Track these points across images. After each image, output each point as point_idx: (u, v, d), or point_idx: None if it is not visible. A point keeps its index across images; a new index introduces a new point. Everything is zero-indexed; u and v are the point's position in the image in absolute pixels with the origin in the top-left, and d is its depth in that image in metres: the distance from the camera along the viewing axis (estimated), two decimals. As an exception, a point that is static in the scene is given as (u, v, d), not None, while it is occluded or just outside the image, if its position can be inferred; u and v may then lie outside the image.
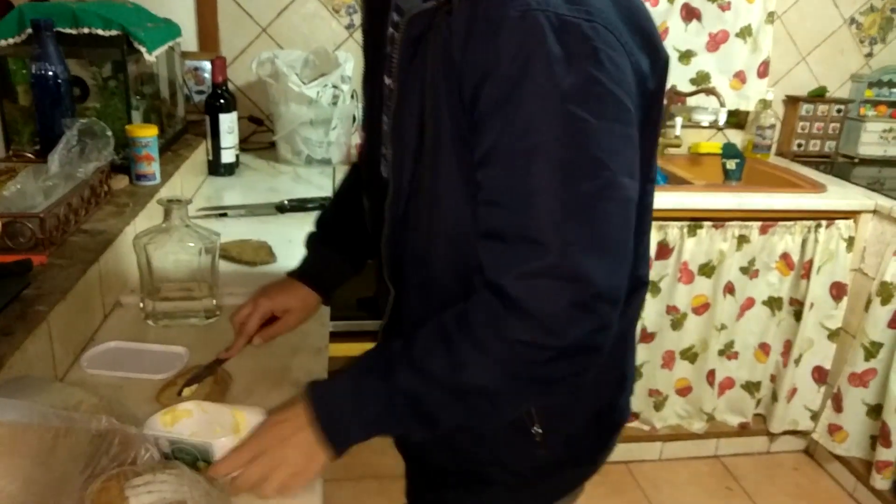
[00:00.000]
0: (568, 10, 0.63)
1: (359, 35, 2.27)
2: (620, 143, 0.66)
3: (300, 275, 1.02)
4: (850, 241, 2.09)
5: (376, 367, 0.73)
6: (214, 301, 1.08)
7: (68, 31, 1.35)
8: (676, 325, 2.13)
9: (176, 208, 1.01)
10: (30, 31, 1.30)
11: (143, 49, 1.41)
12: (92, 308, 1.03)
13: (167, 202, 1.02)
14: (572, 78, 0.62)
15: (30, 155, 1.29)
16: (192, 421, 0.76)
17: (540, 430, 0.84)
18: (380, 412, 0.71)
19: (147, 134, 1.38)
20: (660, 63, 0.74)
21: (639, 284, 0.87)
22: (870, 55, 2.61)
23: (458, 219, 0.73)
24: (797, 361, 2.21)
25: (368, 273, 1.01)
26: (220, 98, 1.86)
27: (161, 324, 1.06)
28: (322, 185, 1.90)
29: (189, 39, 2.13)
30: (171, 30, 1.72)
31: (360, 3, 0.95)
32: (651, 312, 2.09)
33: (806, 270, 2.11)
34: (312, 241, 1.06)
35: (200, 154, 1.85)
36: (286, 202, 1.66)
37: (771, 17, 2.36)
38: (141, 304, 1.07)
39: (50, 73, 1.25)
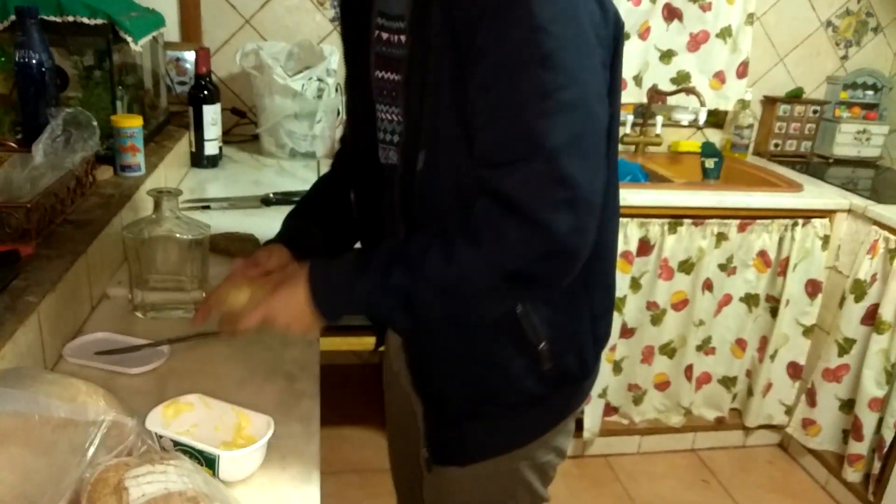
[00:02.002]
0: None
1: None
2: (591, 69, 0.76)
3: (277, 240, 1.03)
4: (826, 240, 2.14)
5: (375, 263, 0.80)
6: (203, 293, 1.08)
7: (53, 19, 1.33)
8: (656, 320, 2.16)
9: (166, 199, 1.01)
10: (13, 18, 1.28)
11: (129, 38, 1.39)
12: (80, 299, 1.02)
13: (157, 193, 1.01)
14: (549, 11, 0.71)
15: (13, 144, 1.27)
16: (194, 415, 0.76)
17: (547, 346, 0.89)
18: (369, 300, 0.80)
19: (132, 124, 1.37)
20: (609, 15, 0.81)
21: (614, 208, 0.95)
22: (845, 57, 2.67)
23: (462, 167, 0.79)
24: (773, 357, 2.26)
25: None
26: (203, 89, 1.84)
27: (149, 315, 1.05)
28: (306, 178, 1.89)
29: (171, 29, 2.10)
30: (155, 19, 1.70)
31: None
32: (631, 308, 2.12)
33: (782, 268, 2.16)
34: (288, 216, 1.09)
35: (183, 146, 1.83)
36: (272, 195, 1.65)
37: (751, 19, 2.40)
38: (129, 296, 1.07)
39: (34, 61, 1.23)
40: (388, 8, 0.87)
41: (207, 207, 1.58)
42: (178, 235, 1.02)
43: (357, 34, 0.94)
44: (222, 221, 1.47)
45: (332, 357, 1.73)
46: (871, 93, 2.67)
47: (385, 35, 0.87)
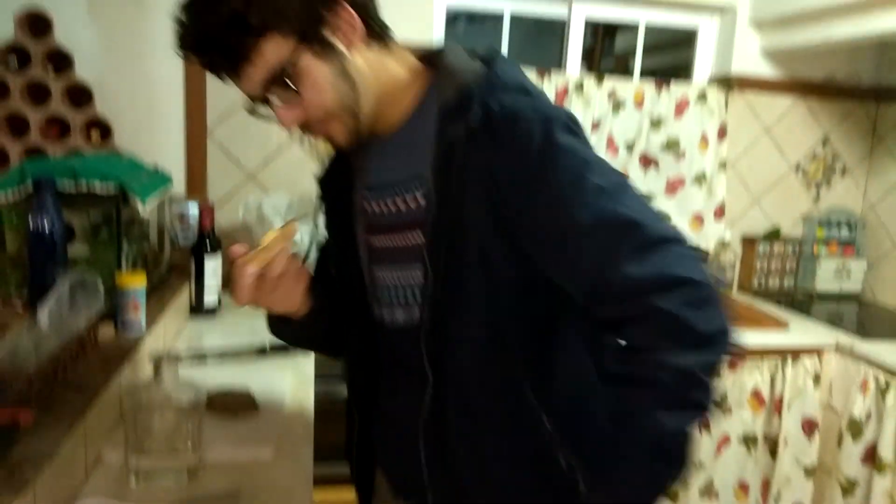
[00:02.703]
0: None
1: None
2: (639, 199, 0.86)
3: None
4: (817, 377, 2.15)
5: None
6: (198, 457, 1.08)
7: (68, 187, 1.41)
8: (655, 463, 2.12)
9: (166, 364, 1.04)
10: (29, 184, 1.36)
11: (137, 203, 1.48)
12: (75, 465, 1.02)
13: (158, 358, 1.04)
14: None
15: (19, 307, 1.31)
16: None
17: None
18: None
19: (136, 284, 1.41)
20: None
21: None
22: (817, 197, 2.81)
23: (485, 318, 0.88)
24: (777, 500, 2.20)
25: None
26: (205, 243, 1.92)
27: (141, 487, 1.05)
28: (302, 325, 1.92)
29: (177, 183, 2.22)
30: (163, 180, 1.81)
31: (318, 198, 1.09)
32: (629, 450, 2.10)
33: (777, 407, 2.16)
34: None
35: (183, 297, 1.88)
36: (267, 345, 1.68)
37: (724, 165, 2.56)
38: (124, 460, 1.06)
39: (47, 230, 1.30)
40: (378, 178, 0.95)
41: (204, 360, 1.60)
42: (175, 400, 1.03)
43: (341, 213, 1.02)
44: (219, 374, 1.49)
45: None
46: (845, 230, 2.78)
47: (376, 206, 0.95)
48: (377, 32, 0.89)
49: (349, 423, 1.12)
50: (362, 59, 0.87)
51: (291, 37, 0.82)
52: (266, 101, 0.87)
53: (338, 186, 1.03)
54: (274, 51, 0.82)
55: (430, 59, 0.95)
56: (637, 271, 0.77)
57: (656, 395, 0.80)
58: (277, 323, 1.06)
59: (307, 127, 0.89)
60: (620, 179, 0.83)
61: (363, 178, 0.98)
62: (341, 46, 0.85)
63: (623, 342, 0.85)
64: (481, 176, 0.83)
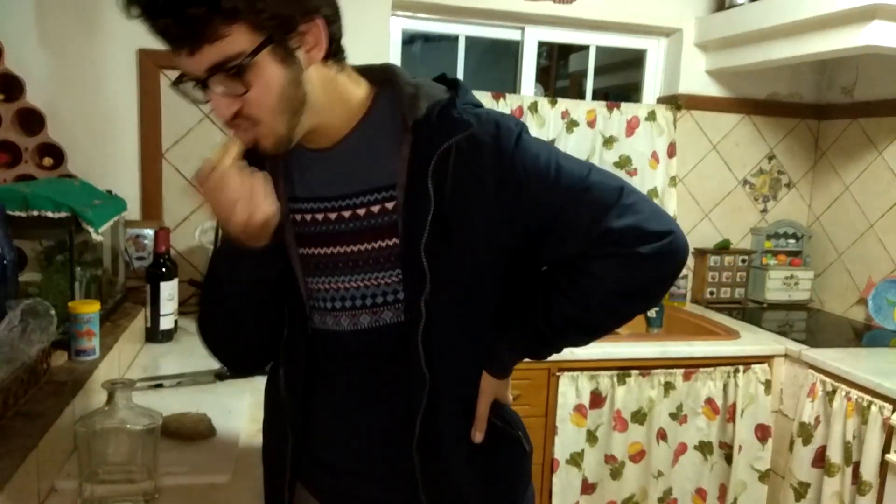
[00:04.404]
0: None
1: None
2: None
3: None
4: (768, 384, 2.22)
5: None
6: (154, 483, 1.07)
7: (18, 213, 1.40)
8: (616, 474, 2.16)
9: (119, 391, 1.03)
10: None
11: (90, 229, 1.47)
12: (27, 497, 1.00)
13: (111, 385, 1.04)
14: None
15: (-33, 336, 1.29)
16: None
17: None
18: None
19: (89, 310, 1.40)
20: None
21: None
22: (765, 210, 2.91)
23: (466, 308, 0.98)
24: (733, 505, 2.26)
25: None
26: (161, 267, 1.91)
27: (97, 511, 1.04)
28: (262, 348, 1.91)
29: (133, 207, 2.20)
30: (117, 205, 1.80)
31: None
32: (590, 462, 2.13)
33: (731, 414, 2.22)
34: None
35: (139, 322, 1.86)
36: (225, 369, 1.67)
37: (674, 181, 2.64)
38: (78, 490, 1.05)
39: (-3, 257, 1.28)
40: (321, 191, 0.96)
41: (160, 386, 1.59)
42: (129, 427, 1.03)
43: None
44: (175, 400, 1.47)
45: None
46: (792, 241, 2.88)
47: (321, 216, 0.96)
48: (335, 53, 0.90)
49: (277, 447, 1.06)
50: (316, 75, 0.87)
51: (259, 32, 0.80)
52: (203, 85, 0.83)
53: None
54: (236, 40, 0.80)
55: (375, 77, 0.97)
56: (618, 224, 0.92)
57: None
58: (231, 255, 0.96)
59: (235, 123, 0.86)
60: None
61: (292, 190, 0.98)
62: (302, 59, 0.85)
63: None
64: (481, 175, 0.91)
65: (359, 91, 0.95)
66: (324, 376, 1.03)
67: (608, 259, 0.93)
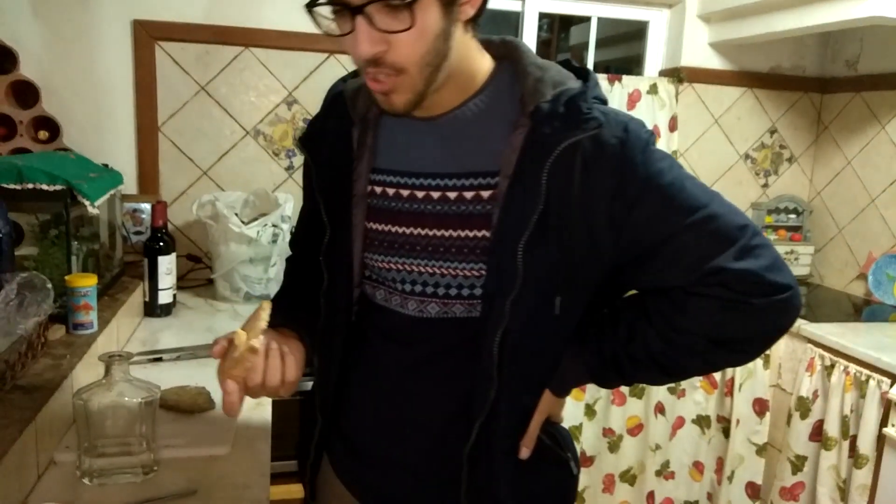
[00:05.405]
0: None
1: (298, 176, 2.38)
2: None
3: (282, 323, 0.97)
4: (767, 359, 2.23)
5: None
6: (152, 455, 1.08)
7: (12, 186, 1.38)
8: (613, 447, 2.18)
9: (117, 364, 1.03)
10: (-28, 187, 1.33)
11: (86, 202, 1.45)
12: (26, 468, 1.01)
13: (108, 358, 1.03)
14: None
15: (-36, 309, 1.28)
16: None
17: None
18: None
19: (86, 283, 1.39)
20: None
21: None
22: (766, 185, 2.89)
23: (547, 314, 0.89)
24: (730, 478, 2.28)
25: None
26: (158, 241, 1.90)
27: (97, 482, 1.04)
28: (261, 322, 1.91)
29: (129, 182, 2.19)
30: (113, 178, 1.78)
31: (310, 172, 1.00)
32: (589, 435, 2.14)
33: (729, 388, 2.22)
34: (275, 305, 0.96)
35: (137, 296, 1.86)
36: (225, 343, 1.67)
37: (675, 155, 2.61)
38: (77, 462, 1.06)
39: (-8, 230, 1.27)
40: (415, 166, 0.89)
41: (159, 360, 1.59)
42: (127, 399, 1.03)
43: (338, 187, 0.94)
44: (174, 374, 1.47)
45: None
46: (793, 216, 2.87)
47: (406, 192, 0.89)
48: (477, 17, 0.83)
49: (307, 425, 1.06)
50: (458, 35, 0.81)
51: None
52: (354, 12, 0.74)
53: (332, 162, 0.95)
54: None
55: (496, 51, 0.90)
56: (735, 265, 0.84)
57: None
58: None
59: (371, 70, 0.78)
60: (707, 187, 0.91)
61: (382, 161, 0.92)
62: (459, 13, 0.79)
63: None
64: (598, 178, 0.83)
65: (484, 63, 0.88)
66: (369, 356, 0.98)
67: (710, 300, 0.85)
